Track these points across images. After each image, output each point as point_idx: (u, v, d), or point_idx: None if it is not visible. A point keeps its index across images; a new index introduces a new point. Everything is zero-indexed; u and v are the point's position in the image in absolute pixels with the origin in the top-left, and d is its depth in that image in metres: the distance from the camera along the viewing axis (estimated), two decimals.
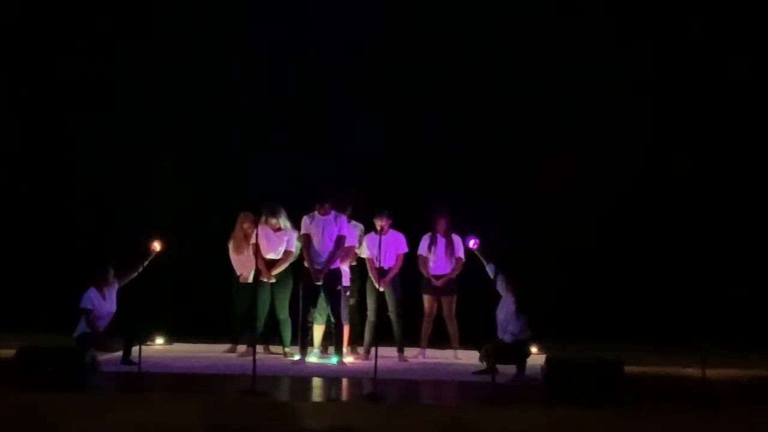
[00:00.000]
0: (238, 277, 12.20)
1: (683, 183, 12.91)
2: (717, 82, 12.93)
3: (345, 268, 11.77)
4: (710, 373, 9.68)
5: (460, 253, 12.07)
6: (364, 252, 11.96)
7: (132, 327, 11.02)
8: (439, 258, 12.14)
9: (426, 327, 12.24)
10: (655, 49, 13.04)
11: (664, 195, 13.02)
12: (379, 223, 11.68)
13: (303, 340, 11.55)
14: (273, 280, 11.88)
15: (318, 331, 11.83)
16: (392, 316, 12.01)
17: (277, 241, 11.90)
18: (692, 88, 12.98)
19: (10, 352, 10.00)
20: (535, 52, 13.30)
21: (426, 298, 12.20)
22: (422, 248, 12.22)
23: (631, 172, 13.07)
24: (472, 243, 11.67)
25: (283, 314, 12.05)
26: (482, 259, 11.55)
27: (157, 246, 11.47)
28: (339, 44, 13.40)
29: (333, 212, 11.42)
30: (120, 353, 11.10)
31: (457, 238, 12.09)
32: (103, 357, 10.96)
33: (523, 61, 13.29)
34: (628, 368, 9.38)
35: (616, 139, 13.06)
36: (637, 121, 13.02)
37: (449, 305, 12.12)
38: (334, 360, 11.50)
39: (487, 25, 13.27)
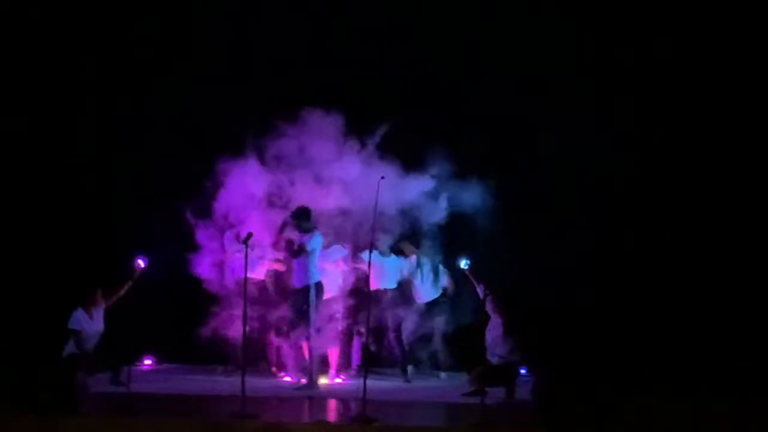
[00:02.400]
0: None
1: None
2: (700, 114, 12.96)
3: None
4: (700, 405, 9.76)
5: (445, 281, 12.16)
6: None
7: (121, 348, 10.99)
8: (426, 284, 12.17)
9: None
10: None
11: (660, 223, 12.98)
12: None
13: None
14: None
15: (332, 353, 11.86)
16: (394, 338, 12.04)
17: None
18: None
19: None
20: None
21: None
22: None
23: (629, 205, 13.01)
24: (463, 263, 11.69)
25: None
26: (473, 281, 11.57)
27: (141, 264, 11.44)
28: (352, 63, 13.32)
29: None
30: (109, 374, 11.05)
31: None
32: (92, 378, 10.92)
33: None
34: (618, 393, 9.39)
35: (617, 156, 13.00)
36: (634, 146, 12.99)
37: (438, 327, 12.13)
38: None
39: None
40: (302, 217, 11.37)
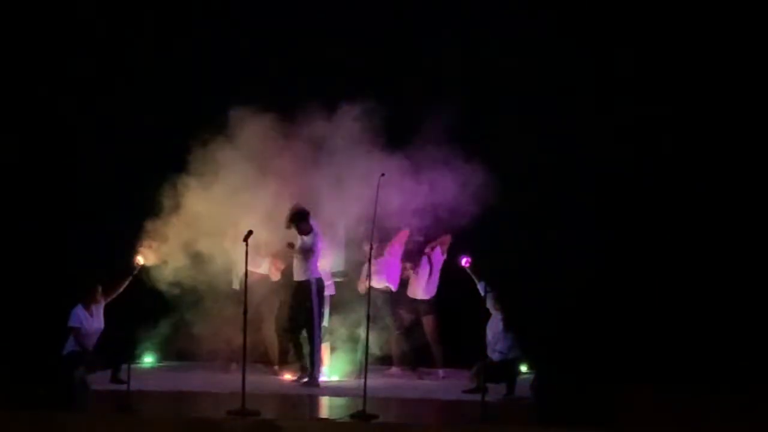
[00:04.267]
0: None
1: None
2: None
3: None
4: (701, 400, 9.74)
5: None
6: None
7: (121, 345, 10.98)
8: (422, 280, 12.15)
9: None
10: None
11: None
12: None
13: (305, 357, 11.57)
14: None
15: (325, 350, 11.82)
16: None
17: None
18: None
19: None
20: None
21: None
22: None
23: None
24: (464, 261, 11.67)
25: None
26: (474, 277, 11.55)
27: (140, 260, 11.42)
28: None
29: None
30: (109, 371, 11.05)
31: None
32: (92, 375, 10.92)
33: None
34: (618, 391, 9.37)
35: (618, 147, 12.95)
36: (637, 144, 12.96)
37: (429, 325, 12.11)
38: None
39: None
40: (300, 219, 11.39)
